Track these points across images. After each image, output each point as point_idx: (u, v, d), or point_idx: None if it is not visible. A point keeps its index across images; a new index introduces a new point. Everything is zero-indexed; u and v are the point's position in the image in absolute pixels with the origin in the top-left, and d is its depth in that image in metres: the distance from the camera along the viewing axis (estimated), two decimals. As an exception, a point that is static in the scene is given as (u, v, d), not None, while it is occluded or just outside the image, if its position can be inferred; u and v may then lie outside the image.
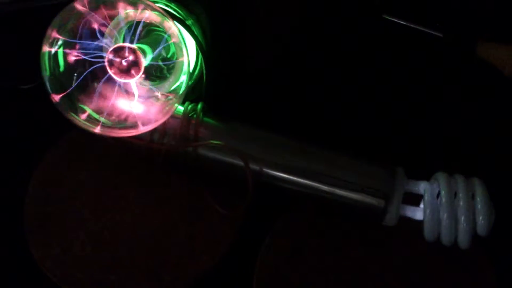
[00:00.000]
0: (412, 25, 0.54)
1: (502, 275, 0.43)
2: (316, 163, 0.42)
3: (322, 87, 0.53)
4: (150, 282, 0.42)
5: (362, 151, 0.44)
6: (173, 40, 0.40)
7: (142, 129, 0.40)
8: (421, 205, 0.43)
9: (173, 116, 0.42)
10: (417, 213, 0.43)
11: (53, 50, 0.38)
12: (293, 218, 0.45)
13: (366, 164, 0.43)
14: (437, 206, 0.41)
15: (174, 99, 0.41)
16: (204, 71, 0.43)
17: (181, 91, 0.41)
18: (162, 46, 0.40)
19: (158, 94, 0.42)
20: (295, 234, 0.45)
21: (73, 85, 0.39)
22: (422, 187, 0.42)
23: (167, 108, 0.41)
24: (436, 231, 0.41)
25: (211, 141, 0.42)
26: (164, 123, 0.42)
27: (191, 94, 0.45)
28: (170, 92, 0.42)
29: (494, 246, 0.43)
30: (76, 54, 0.39)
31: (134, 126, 0.40)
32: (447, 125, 0.51)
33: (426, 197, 0.41)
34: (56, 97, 0.38)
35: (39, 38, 0.38)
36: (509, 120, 0.52)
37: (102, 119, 0.40)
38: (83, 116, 0.39)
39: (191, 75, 0.45)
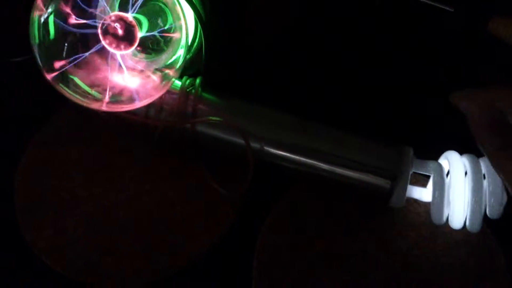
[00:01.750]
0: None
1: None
2: (320, 142, 0.41)
3: (326, 63, 0.51)
4: (146, 264, 0.41)
5: (369, 130, 0.42)
6: (171, 9, 0.38)
7: (138, 104, 0.39)
8: (429, 186, 0.41)
9: (170, 91, 0.41)
10: (425, 194, 0.41)
11: (43, 18, 0.36)
12: (295, 198, 0.44)
13: (373, 143, 0.41)
14: (446, 187, 0.39)
15: (171, 73, 0.39)
16: (204, 44, 0.41)
17: (178, 65, 0.39)
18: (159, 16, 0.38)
19: (155, 67, 0.40)
20: (297, 214, 0.43)
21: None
22: (430, 167, 0.40)
23: (163, 82, 0.39)
24: (445, 213, 0.40)
25: (210, 118, 0.41)
26: (161, 98, 0.40)
27: (189, 68, 0.43)
28: (167, 65, 0.40)
29: (505, 230, 0.42)
30: (67, 24, 0.37)
31: (129, 100, 0.38)
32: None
33: (434, 178, 0.40)
34: (49, 76, 0.36)
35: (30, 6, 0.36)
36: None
37: (94, 93, 0.38)
38: (75, 90, 0.37)
39: (189, 48, 0.43)
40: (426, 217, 0.43)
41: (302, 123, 0.42)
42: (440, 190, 0.39)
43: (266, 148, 0.41)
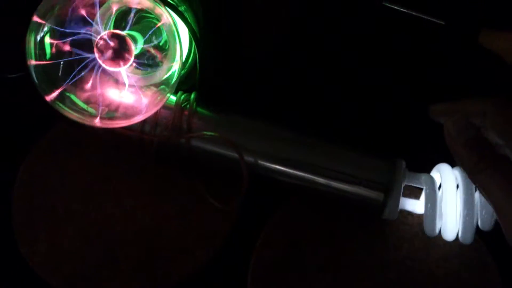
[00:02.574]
0: (413, 13, 0.52)
1: (506, 271, 0.42)
2: (314, 155, 0.41)
3: (321, 76, 0.52)
4: (142, 278, 0.41)
5: (362, 142, 0.42)
6: (165, 26, 0.38)
7: (133, 120, 0.39)
8: (422, 198, 0.42)
9: (165, 106, 0.41)
10: (418, 206, 0.42)
11: (38, 37, 0.36)
12: (289, 211, 0.44)
13: (365, 156, 0.41)
14: (438, 199, 0.40)
15: (166, 89, 0.40)
16: (198, 60, 0.42)
17: (173, 81, 0.39)
18: (151, 31, 0.38)
19: (150, 83, 0.41)
20: (292, 227, 0.43)
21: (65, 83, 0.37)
22: (422, 179, 0.41)
23: (159, 98, 0.39)
24: (437, 225, 0.40)
25: (205, 132, 0.41)
26: (156, 114, 0.41)
27: (184, 84, 0.44)
28: (162, 81, 0.41)
29: (497, 241, 0.42)
30: (62, 43, 0.37)
31: (124, 116, 0.39)
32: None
33: (426, 190, 0.40)
34: (47, 97, 0.37)
35: (28, 24, 0.37)
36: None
37: (90, 110, 0.38)
38: (71, 107, 0.38)
39: (184, 64, 0.43)
40: (419, 229, 0.43)
41: (295, 137, 0.42)
42: (432, 203, 0.39)
43: (260, 162, 0.41)
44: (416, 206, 0.42)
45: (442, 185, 0.41)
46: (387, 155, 0.42)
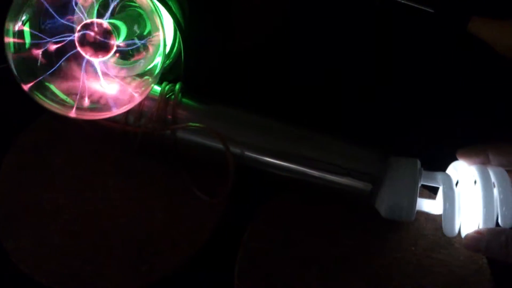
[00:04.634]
0: (403, 1, 0.52)
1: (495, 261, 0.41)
2: (299, 146, 0.40)
3: (312, 67, 0.51)
4: (129, 272, 0.40)
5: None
6: (148, 15, 0.37)
7: (116, 111, 0.38)
8: (438, 198, 0.39)
9: (149, 97, 0.40)
10: (434, 206, 0.39)
11: (17, 27, 0.35)
12: (277, 203, 0.43)
13: (353, 146, 0.40)
14: (457, 197, 0.37)
15: (150, 79, 0.39)
16: (183, 50, 0.41)
17: (157, 71, 0.39)
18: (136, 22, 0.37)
19: (133, 73, 0.40)
20: (279, 220, 0.42)
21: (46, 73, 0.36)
22: (439, 178, 0.38)
23: (142, 88, 0.39)
24: (457, 224, 0.37)
25: (190, 124, 0.40)
26: (140, 105, 0.40)
27: (169, 74, 0.43)
28: (146, 71, 0.40)
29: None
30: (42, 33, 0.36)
31: (107, 107, 0.38)
32: (447, 109, 0.49)
33: (444, 189, 0.38)
34: (25, 87, 0.36)
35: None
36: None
37: (71, 101, 0.37)
38: (52, 98, 0.37)
39: (168, 54, 0.42)
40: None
41: (282, 127, 0.41)
42: (450, 202, 0.37)
43: (247, 153, 0.40)
44: (432, 206, 0.39)
45: (460, 182, 0.38)
46: (378, 146, 0.41)
